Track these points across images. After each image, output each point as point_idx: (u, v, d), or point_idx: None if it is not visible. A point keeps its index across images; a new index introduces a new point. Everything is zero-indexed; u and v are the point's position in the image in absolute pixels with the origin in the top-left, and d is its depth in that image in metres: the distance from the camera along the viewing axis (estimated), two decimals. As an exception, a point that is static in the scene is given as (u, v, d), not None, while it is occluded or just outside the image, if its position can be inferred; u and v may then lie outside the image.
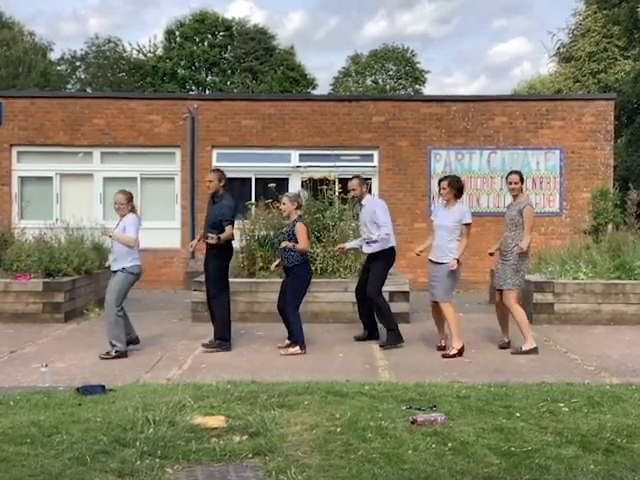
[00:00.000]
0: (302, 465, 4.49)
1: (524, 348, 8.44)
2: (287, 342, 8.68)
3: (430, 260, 8.53)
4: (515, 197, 8.67)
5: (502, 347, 8.76)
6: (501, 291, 8.65)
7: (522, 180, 8.70)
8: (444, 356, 8.29)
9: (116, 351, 8.18)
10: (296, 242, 8.45)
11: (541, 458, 4.65)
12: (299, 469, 4.40)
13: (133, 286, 8.50)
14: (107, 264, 8.78)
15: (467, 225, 8.39)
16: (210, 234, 8.44)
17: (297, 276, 8.58)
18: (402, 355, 8.37)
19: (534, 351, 8.41)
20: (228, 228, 8.56)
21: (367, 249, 9.11)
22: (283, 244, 8.53)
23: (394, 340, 8.84)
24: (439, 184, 8.57)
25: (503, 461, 4.60)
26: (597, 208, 15.61)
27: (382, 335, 9.08)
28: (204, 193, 16.47)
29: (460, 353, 8.31)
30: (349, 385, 6.60)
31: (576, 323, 10.61)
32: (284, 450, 4.76)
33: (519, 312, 8.52)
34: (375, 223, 8.95)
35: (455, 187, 8.43)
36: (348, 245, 9.67)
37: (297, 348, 8.45)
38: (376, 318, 9.23)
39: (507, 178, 8.76)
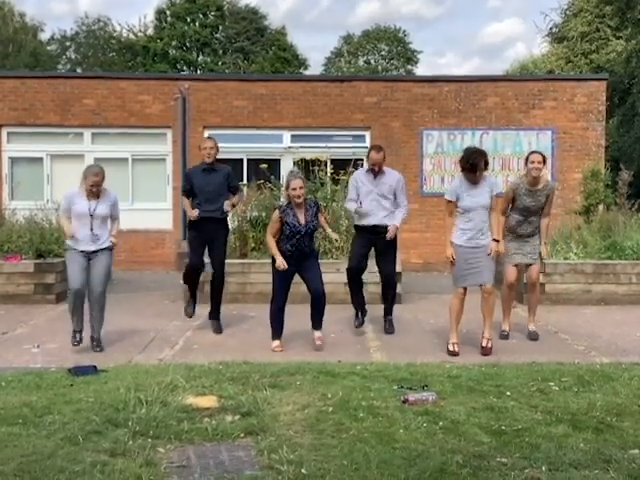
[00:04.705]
0: (294, 444, 4.50)
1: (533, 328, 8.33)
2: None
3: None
4: (535, 179, 7.90)
5: (505, 338, 8.22)
6: (529, 266, 8.24)
7: (544, 162, 8.01)
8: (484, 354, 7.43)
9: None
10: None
11: (531, 436, 4.68)
12: (291, 448, 4.42)
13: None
14: (77, 247, 7.42)
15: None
16: (227, 203, 8.18)
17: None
18: (394, 335, 8.38)
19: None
20: (246, 191, 8.31)
21: (387, 220, 8.17)
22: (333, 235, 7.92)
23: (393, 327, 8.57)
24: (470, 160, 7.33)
25: (493, 440, 4.63)
26: (588, 189, 15.63)
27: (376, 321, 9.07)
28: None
29: None
30: (341, 365, 6.62)
31: (567, 303, 10.65)
32: (276, 430, 4.78)
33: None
34: (394, 194, 8.28)
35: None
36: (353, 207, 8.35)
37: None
38: (384, 301, 8.67)
39: (528, 157, 7.97)
